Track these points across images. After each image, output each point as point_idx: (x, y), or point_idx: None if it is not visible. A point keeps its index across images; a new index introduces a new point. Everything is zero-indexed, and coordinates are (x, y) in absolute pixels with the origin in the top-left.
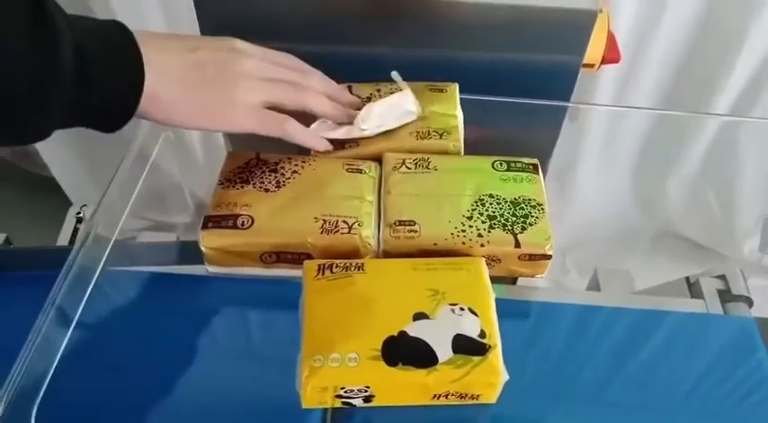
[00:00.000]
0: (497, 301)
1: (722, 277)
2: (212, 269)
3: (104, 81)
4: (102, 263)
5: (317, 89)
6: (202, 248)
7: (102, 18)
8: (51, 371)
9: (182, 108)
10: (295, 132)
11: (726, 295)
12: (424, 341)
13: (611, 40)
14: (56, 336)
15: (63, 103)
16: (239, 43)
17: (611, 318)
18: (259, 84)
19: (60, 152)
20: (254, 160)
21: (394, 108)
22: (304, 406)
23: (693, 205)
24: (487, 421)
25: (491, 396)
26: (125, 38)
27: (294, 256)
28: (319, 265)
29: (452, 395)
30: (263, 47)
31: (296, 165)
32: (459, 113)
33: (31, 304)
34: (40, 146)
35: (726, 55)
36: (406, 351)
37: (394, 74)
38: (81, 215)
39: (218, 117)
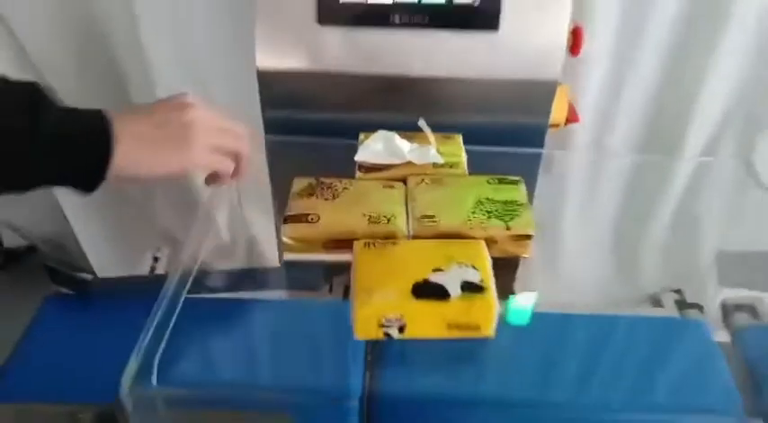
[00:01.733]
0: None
1: (679, 291)
2: (288, 257)
3: (75, 146)
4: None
5: (245, 138)
6: (284, 239)
7: None
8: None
9: (147, 159)
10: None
11: (682, 304)
12: (440, 285)
13: (571, 107)
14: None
15: (42, 160)
16: (188, 97)
17: (588, 323)
18: (207, 131)
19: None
20: (315, 181)
21: (423, 152)
22: (358, 337)
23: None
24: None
25: (489, 327)
26: (98, 118)
27: (348, 243)
28: (366, 242)
29: (461, 325)
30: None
31: (345, 184)
32: (463, 153)
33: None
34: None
35: (688, 106)
36: (427, 291)
37: (421, 122)
38: (158, 255)
39: (176, 159)
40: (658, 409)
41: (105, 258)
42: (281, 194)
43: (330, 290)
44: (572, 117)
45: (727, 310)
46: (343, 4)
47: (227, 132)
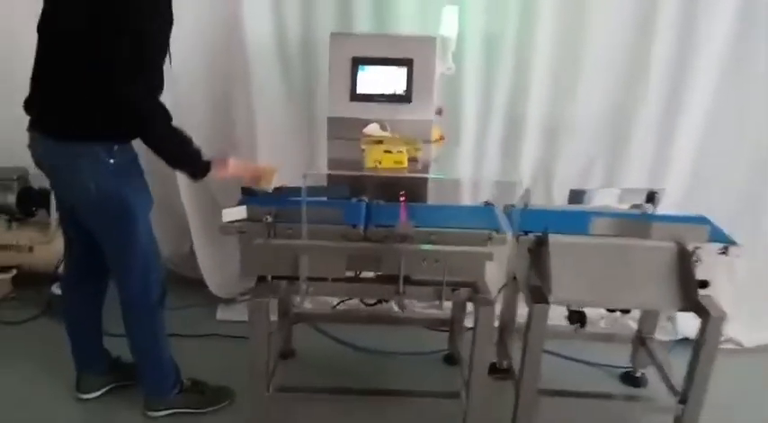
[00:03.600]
0: None
1: (488, 202)
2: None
3: (203, 164)
4: None
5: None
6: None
7: None
8: None
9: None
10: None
11: (487, 204)
12: (392, 151)
13: (441, 134)
14: None
15: (196, 166)
16: (230, 157)
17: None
18: (235, 167)
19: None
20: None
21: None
22: (367, 166)
23: None
24: None
25: (404, 164)
26: (208, 161)
27: None
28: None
29: (397, 161)
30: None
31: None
32: (399, 135)
33: None
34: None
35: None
36: (389, 151)
37: (384, 124)
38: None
39: (222, 173)
40: (473, 226)
41: (209, 265)
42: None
43: None
44: (442, 138)
45: (506, 207)
46: (359, 94)
47: (244, 167)
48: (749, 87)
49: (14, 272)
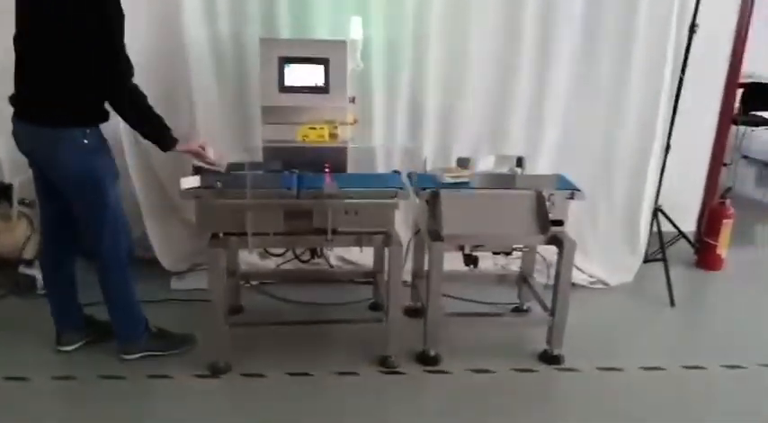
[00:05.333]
0: None
1: (396, 170)
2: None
3: (170, 139)
4: None
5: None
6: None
7: None
8: None
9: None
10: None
11: (395, 172)
12: (316, 127)
13: (355, 118)
14: None
15: (165, 137)
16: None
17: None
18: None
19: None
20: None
21: None
22: (300, 139)
23: None
24: None
25: (326, 138)
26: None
27: None
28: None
29: (321, 136)
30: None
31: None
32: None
33: None
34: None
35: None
36: (313, 130)
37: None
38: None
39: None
40: (383, 186)
41: (161, 245)
42: None
43: None
44: (356, 121)
45: (410, 174)
46: (287, 86)
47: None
48: (595, 83)
49: None
